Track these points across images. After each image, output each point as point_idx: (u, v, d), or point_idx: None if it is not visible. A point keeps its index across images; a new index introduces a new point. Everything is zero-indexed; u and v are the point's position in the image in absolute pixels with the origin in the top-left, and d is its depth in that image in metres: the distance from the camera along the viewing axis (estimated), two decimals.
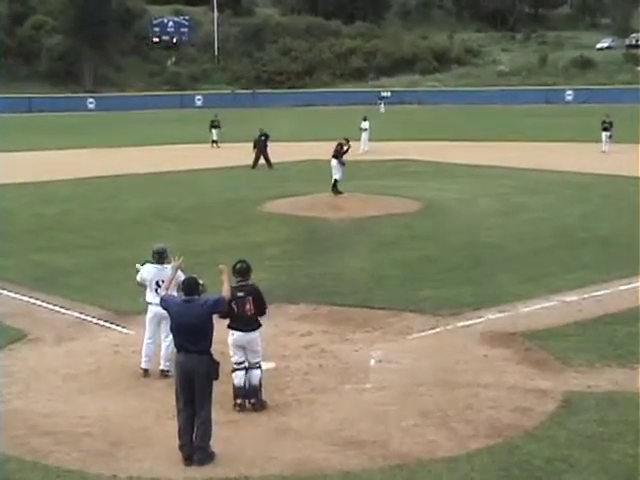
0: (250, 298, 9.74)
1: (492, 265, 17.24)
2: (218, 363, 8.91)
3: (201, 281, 9.04)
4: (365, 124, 41.36)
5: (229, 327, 9.79)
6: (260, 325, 9.95)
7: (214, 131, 45.39)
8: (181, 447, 8.62)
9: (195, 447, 8.58)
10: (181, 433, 8.66)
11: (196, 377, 8.59)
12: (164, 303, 9.10)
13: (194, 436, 8.62)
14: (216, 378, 8.96)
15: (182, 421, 8.69)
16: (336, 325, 13.09)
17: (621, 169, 31.13)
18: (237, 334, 9.80)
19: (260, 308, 9.86)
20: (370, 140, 41.29)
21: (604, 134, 40.23)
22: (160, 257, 11.08)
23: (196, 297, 8.85)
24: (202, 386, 8.63)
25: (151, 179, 32.53)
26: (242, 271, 9.82)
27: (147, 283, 11.14)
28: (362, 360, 11.47)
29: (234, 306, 9.61)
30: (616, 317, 13.24)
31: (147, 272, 11.15)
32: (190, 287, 8.84)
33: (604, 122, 40.60)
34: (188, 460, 8.53)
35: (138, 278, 11.29)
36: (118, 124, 65.64)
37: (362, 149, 39.72)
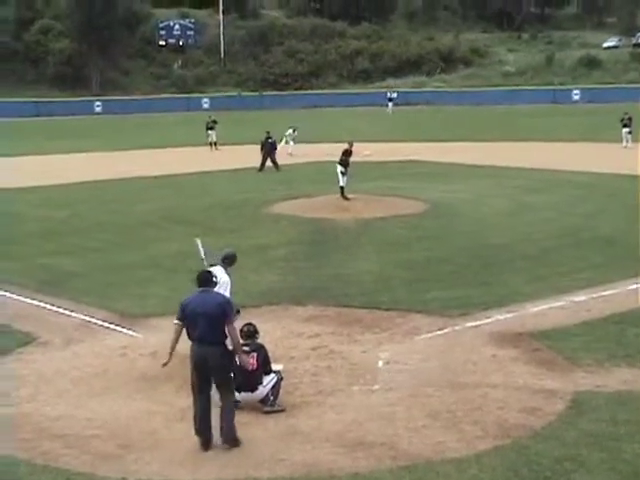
0: (255, 354, 9.92)
1: (500, 265, 17.21)
2: (232, 353, 9.04)
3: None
4: (289, 132, 40.53)
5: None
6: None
7: (211, 132, 45.30)
8: (197, 432, 8.90)
9: (222, 436, 8.88)
10: (197, 419, 8.93)
11: (212, 368, 8.80)
12: (182, 307, 9.08)
13: (220, 424, 8.91)
14: (231, 369, 9.06)
15: (198, 411, 8.95)
16: (344, 326, 13.09)
17: (630, 168, 31.01)
18: (243, 395, 9.90)
19: (265, 366, 10.01)
20: (296, 143, 40.77)
21: (624, 130, 40.51)
22: (225, 261, 10.94)
23: (211, 289, 9.15)
24: (220, 377, 8.91)
25: (158, 182, 32.58)
26: (249, 334, 10.10)
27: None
28: (370, 361, 11.46)
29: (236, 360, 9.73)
30: (625, 317, 13.20)
31: None
32: (205, 280, 9.14)
33: (623, 118, 40.87)
34: (205, 445, 8.81)
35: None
36: (125, 127, 65.81)
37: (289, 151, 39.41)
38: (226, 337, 8.93)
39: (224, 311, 8.88)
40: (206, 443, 8.83)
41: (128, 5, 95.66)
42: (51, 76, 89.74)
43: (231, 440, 8.90)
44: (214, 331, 8.81)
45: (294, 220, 23.12)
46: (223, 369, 8.91)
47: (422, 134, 50.07)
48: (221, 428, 8.94)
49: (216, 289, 10.73)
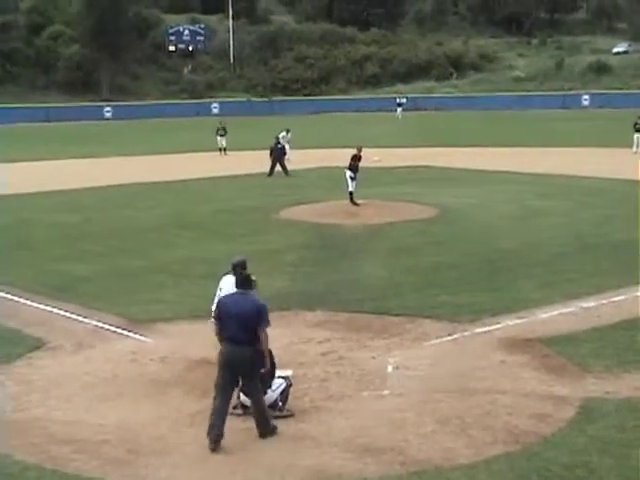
0: None
1: (509, 271, 17.19)
2: (263, 353, 9.12)
3: (253, 277, 9.45)
4: (282, 134, 39.22)
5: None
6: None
7: (220, 138, 45.23)
8: (209, 429, 8.94)
9: (259, 430, 9.22)
10: (211, 416, 8.99)
11: (241, 368, 8.99)
12: (217, 306, 9.31)
13: (255, 422, 9.24)
14: (263, 368, 9.17)
15: (214, 408, 9.03)
16: (353, 332, 13.09)
17: (637, 174, 30.94)
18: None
19: (273, 369, 9.96)
20: (291, 147, 39.90)
21: (636, 135, 40.30)
22: (236, 268, 10.69)
23: (249, 291, 9.29)
24: (249, 377, 9.08)
25: (168, 187, 32.66)
26: None
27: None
28: (379, 367, 11.46)
29: None
30: (634, 323, 13.15)
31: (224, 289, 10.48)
32: (244, 281, 9.30)
33: (637, 123, 40.68)
34: (213, 444, 8.86)
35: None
36: (135, 133, 65.97)
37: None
38: (257, 340, 9.01)
39: (259, 314, 9.02)
40: (215, 442, 8.85)
41: (138, 11, 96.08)
42: (61, 81, 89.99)
43: (269, 432, 9.20)
44: (245, 332, 8.94)
45: (303, 225, 23.13)
46: (252, 370, 9.05)
47: (431, 139, 50.06)
48: (256, 425, 9.21)
49: None
